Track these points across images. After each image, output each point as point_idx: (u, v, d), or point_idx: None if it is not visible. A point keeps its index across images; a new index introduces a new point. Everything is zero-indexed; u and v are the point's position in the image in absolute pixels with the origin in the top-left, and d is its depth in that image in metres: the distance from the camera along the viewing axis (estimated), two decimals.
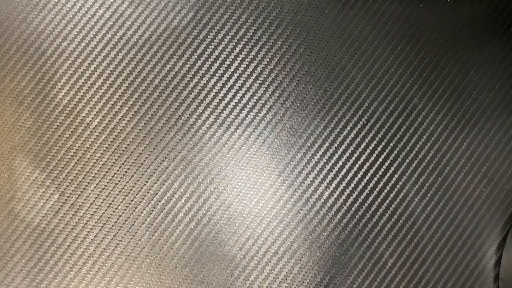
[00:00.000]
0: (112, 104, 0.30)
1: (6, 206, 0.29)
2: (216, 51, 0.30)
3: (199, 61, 0.30)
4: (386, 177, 0.30)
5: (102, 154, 0.29)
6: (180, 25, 0.30)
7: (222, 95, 0.30)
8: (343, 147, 0.30)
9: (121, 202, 0.29)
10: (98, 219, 0.29)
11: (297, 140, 0.30)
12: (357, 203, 0.30)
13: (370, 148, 0.30)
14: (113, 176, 0.29)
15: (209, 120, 0.30)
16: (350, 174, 0.30)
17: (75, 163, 0.29)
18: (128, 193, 0.29)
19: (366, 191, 0.30)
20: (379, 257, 0.30)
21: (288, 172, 0.30)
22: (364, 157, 0.30)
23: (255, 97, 0.30)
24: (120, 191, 0.29)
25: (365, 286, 0.30)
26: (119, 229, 0.29)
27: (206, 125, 0.30)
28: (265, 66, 0.30)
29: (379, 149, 0.30)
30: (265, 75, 0.30)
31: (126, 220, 0.29)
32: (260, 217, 0.30)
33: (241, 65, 0.30)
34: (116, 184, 0.29)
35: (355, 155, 0.30)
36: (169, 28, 0.30)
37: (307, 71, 0.30)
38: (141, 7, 0.30)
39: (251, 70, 0.30)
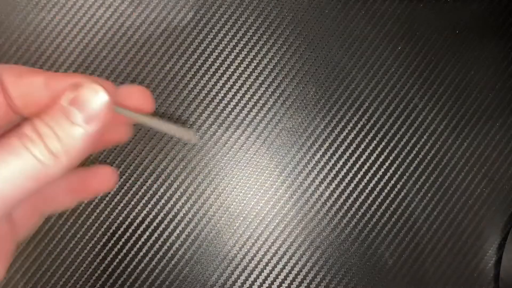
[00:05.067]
0: None
1: None
2: (216, 51, 0.30)
3: (199, 61, 0.30)
4: (386, 177, 0.30)
5: (102, 153, 0.29)
6: (180, 25, 0.30)
7: (222, 95, 0.30)
8: (343, 147, 0.30)
9: (121, 202, 0.29)
10: (99, 219, 0.29)
11: (297, 140, 0.30)
12: (357, 203, 0.30)
13: (370, 148, 0.30)
14: None
15: (209, 120, 0.30)
16: (350, 174, 0.30)
17: None
18: (128, 193, 0.29)
19: (366, 191, 0.30)
20: (379, 257, 0.30)
21: (288, 172, 0.30)
22: (364, 157, 0.30)
23: (255, 97, 0.30)
24: (120, 191, 0.29)
25: (365, 286, 0.30)
26: (120, 229, 0.29)
27: (206, 125, 0.30)
28: (265, 66, 0.30)
29: (379, 149, 0.30)
30: (265, 75, 0.30)
31: (126, 220, 0.29)
32: (260, 217, 0.30)
33: (241, 65, 0.30)
34: (116, 184, 0.29)
35: (355, 155, 0.30)
36: (169, 28, 0.30)
37: (307, 71, 0.30)
38: (141, 7, 0.30)
39: (251, 70, 0.30)
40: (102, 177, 0.21)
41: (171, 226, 0.29)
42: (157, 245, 0.29)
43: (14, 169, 0.14)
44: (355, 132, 0.30)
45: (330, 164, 0.30)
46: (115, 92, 0.19)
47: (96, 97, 0.16)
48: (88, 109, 0.16)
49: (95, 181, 0.21)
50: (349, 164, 0.30)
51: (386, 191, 0.30)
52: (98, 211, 0.29)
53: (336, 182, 0.30)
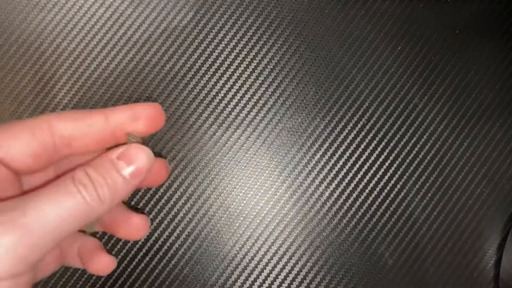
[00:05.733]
0: (112, 104, 0.30)
1: None
2: (216, 51, 0.30)
3: (199, 61, 0.30)
4: (386, 177, 0.30)
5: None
6: (180, 25, 0.30)
7: (222, 95, 0.30)
8: (343, 147, 0.30)
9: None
10: None
11: (297, 140, 0.30)
12: (357, 203, 0.30)
13: (370, 148, 0.30)
14: None
15: (209, 120, 0.30)
16: (350, 174, 0.30)
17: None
18: None
19: (366, 191, 0.30)
20: (379, 257, 0.30)
21: (288, 172, 0.30)
22: (364, 157, 0.30)
23: (255, 97, 0.30)
24: None
25: (365, 286, 0.30)
26: None
27: (206, 125, 0.30)
28: (265, 66, 0.30)
29: (379, 149, 0.30)
30: (265, 75, 0.30)
31: None
32: (260, 217, 0.30)
33: (241, 65, 0.30)
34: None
35: (355, 155, 0.30)
36: (169, 28, 0.30)
37: (307, 71, 0.30)
38: (141, 7, 0.30)
39: (251, 70, 0.30)
40: (133, 226, 0.22)
41: (171, 226, 0.29)
42: (157, 245, 0.29)
43: (65, 207, 0.16)
44: (355, 132, 0.30)
45: (330, 164, 0.30)
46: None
47: (142, 156, 0.19)
48: (135, 165, 0.19)
49: (125, 229, 0.23)
50: (349, 164, 0.30)
51: (386, 191, 0.30)
52: None
53: (336, 182, 0.30)
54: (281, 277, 0.29)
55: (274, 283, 0.29)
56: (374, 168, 0.30)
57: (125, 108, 0.20)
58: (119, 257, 0.29)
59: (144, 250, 0.29)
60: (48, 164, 0.20)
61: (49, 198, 0.16)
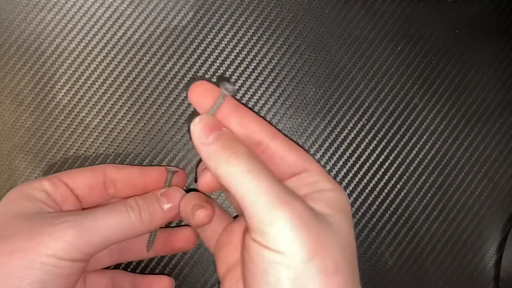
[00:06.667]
0: (112, 104, 0.30)
1: None
2: (216, 51, 0.30)
3: (199, 61, 0.30)
4: (386, 177, 0.30)
5: (102, 154, 0.29)
6: (180, 25, 0.30)
7: None
8: (343, 147, 0.30)
9: None
10: None
11: (297, 140, 0.30)
12: (357, 203, 0.30)
13: (370, 148, 0.30)
14: None
15: None
16: (350, 174, 0.30)
17: (75, 163, 0.29)
18: None
19: (366, 191, 0.30)
20: (379, 257, 0.30)
21: None
22: (364, 157, 0.30)
23: (255, 97, 0.30)
24: None
25: (365, 286, 0.30)
26: None
27: None
28: (265, 66, 0.30)
29: (379, 149, 0.30)
30: (265, 75, 0.30)
31: None
32: None
33: (241, 65, 0.30)
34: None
35: (355, 155, 0.30)
36: (169, 28, 0.30)
37: (307, 71, 0.30)
38: (141, 7, 0.30)
39: (251, 70, 0.30)
40: (183, 237, 0.27)
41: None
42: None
43: (115, 221, 0.22)
44: (355, 132, 0.30)
45: (330, 164, 0.30)
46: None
47: (178, 195, 0.25)
48: (172, 202, 0.25)
49: (177, 241, 0.27)
50: (349, 164, 0.30)
51: (386, 191, 0.30)
52: None
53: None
54: None
55: None
56: (374, 168, 0.30)
57: (157, 167, 0.27)
58: None
59: None
60: (99, 199, 0.26)
61: (104, 212, 0.22)
